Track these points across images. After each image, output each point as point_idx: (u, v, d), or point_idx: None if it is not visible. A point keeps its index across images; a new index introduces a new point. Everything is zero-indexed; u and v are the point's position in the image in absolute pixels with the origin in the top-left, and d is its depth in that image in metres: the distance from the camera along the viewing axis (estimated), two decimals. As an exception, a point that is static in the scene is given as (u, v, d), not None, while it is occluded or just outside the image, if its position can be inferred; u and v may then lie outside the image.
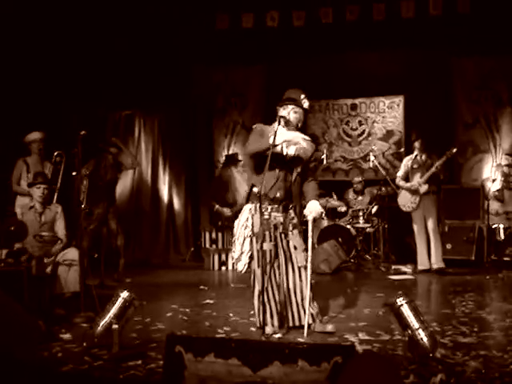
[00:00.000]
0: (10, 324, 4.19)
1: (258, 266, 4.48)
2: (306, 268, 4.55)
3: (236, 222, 4.72)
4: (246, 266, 4.63)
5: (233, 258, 4.78)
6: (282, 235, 4.60)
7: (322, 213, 4.74)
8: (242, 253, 4.62)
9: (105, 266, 7.24)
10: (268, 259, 4.52)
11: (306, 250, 4.60)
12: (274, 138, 4.45)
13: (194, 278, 8.07)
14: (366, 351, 2.47)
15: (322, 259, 8.15)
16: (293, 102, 4.64)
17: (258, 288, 4.55)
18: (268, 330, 4.45)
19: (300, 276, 4.57)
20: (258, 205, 4.46)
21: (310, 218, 4.63)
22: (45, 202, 5.82)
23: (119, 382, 3.44)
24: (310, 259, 4.55)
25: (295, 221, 4.62)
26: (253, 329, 4.69)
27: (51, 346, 4.20)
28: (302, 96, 4.68)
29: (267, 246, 4.52)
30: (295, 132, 4.69)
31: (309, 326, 4.51)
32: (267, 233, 4.50)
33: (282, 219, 4.57)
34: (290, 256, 4.59)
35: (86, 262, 5.75)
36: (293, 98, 4.66)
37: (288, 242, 4.60)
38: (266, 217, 4.49)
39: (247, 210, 4.63)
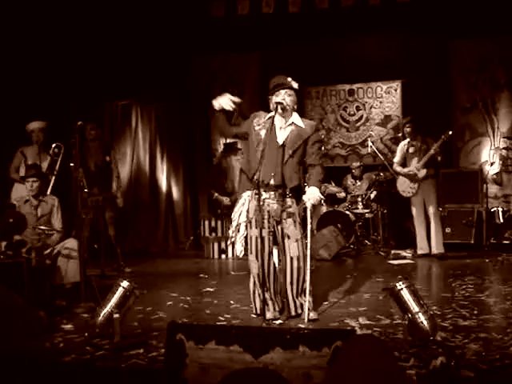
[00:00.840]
0: (12, 316, 4.21)
1: (251, 252, 4.57)
2: (298, 258, 4.53)
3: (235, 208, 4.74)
4: (243, 252, 4.65)
5: (230, 243, 4.79)
6: (275, 223, 4.58)
7: (320, 199, 4.70)
8: (237, 238, 4.64)
9: (105, 256, 7.25)
10: (257, 246, 4.51)
11: (298, 240, 4.55)
12: (271, 127, 4.50)
13: (194, 266, 8.08)
14: (360, 335, 2.48)
15: (321, 245, 8.16)
16: (284, 86, 4.61)
17: (252, 274, 4.59)
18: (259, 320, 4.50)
19: (292, 265, 4.55)
20: (254, 191, 4.49)
21: (308, 205, 4.56)
22: (37, 195, 5.80)
23: (121, 371, 3.45)
24: (309, 246, 4.53)
25: (291, 209, 4.57)
26: (253, 315, 4.70)
27: (53, 336, 4.21)
28: (289, 79, 4.65)
29: (254, 232, 4.55)
30: (292, 116, 4.66)
31: (300, 315, 4.56)
32: (259, 219, 4.45)
33: (275, 207, 4.55)
34: (284, 246, 4.59)
35: (85, 253, 5.75)
36: (282, 83, 4.63)
37: (282, 231, 4.59)
38: (261, 203, 4.43)
39: (244, 196, 4.65)
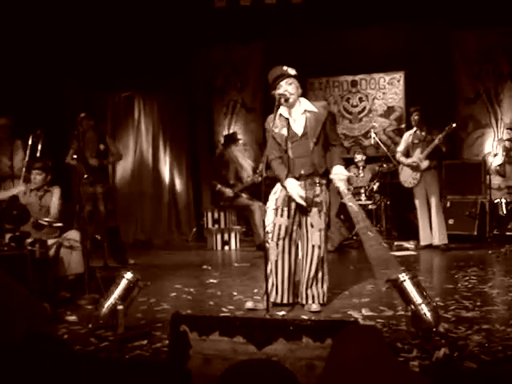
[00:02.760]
0: (16, 307, 4.22)
1: (272, 239, 4.60)
2: (320, 247, 4.58)
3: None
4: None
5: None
6: (303, 212, 4.62)
7: (347, 177, 4.75)
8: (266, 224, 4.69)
9: (108, 247, 7.27)
10: (279, 234, 4.59)
11: (322, 229, 4.59)
12: (287, 122, 4.58)
13: (197, 258, 8.10)
14: (352, 325, 2.48)
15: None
16: (282, 77, 4.60)
17: (270, 261, 4.59)
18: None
19: (313, 253, 4.60)
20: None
21: (338, 184, 4.62)
22: (40, 187, 5.81)
23: (125, 363, 3.47)
24: (322, 239, 4.60)
25: (318, 199, 4.59)
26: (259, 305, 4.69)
27: (57, 328, 4.23)
28: (285, 67, 4.64)
29: (278, 220, 4.60)
30: (301, 103, 4.65)
31: (303, 305, 4.63)
32: (286, 209, 4.58)
33: (305, 196, 4.57)
34: (307, 234, 4.63)
35: (89, 244, 5.76)
36: (279, 74, 4.62)
37: (306, 220, 4.62)
38: (289, 193, 4.53)
39: (278, 185, 4.69)
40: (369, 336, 1.86)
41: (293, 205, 4.60)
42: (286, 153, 4.61)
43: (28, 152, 6.58)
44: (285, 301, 4.67)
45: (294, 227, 4.66)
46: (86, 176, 6.49)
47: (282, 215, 4.61)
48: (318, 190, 4.60)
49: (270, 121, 4.64)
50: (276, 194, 4.68)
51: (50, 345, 2.14)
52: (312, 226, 4.60)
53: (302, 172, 4.58)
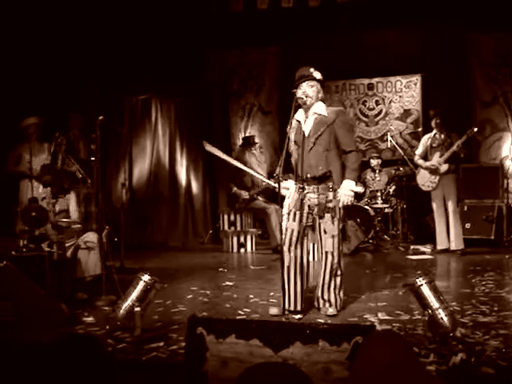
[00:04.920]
0: (34, 308, 4.26)
1: (284, 244, 4.58)
2: (333, 254, 4.55)
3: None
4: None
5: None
6: (316, 217, 4.59)
7: (352, 197, 4.59)
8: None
9: (124, 248, 7.31)
10: (291, 239, 4.57)
11: (335, 236, 4.53)
12: (298, 126, 4.63)
13: (213, 260, 8.12)
14: (379, 331, 2.49)
15: (340, 240, 8.15)
16: (305, 78, 4.61)
17: (284, 266, 4.55)
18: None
19: (326, 260, 4.57)
20: (298, 185, 4.60)
21: (342, 199, 4.53)
22: (54, 194, 5.84)
23: (142, 364, 3.49)
24: (336, 246, 4.56)
25: (331, 204, 4.53)
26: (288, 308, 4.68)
27: (74, 329, 4.26)
28: (312, 69, 4.64)
29: (290, 225, 4.58)
30: (315, 106, 4.63)
31: (318, 309, 4.63)
32: (298, 213, 4.55)
33: (316, 201, 4.55)
34: (320, 240, 4.61)
35: (106, 246, 5.79)
36: (304, 75, 4.63)
37: (319, 225, 4.59)
38: (301, 197, 4.54)
39: (291, 189, 4.69)
40: (394, 342, 1.87)
41: (306, 208, 4.57)
42: (297, 155, 4.63)
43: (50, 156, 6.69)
44: (298, 308, 4.62)
45: (307, 231, 4.65)
46: (89, 180, 6.53)
47: (294, 219, 4.57)
48: (330, 195, 4.55)
49: (290, 125, 4.66)
50: (289, 198, 4.67)
51: (89, 346, 2.16)
52: (325, 232, 4.56)
53: (309, 175, 4.56)
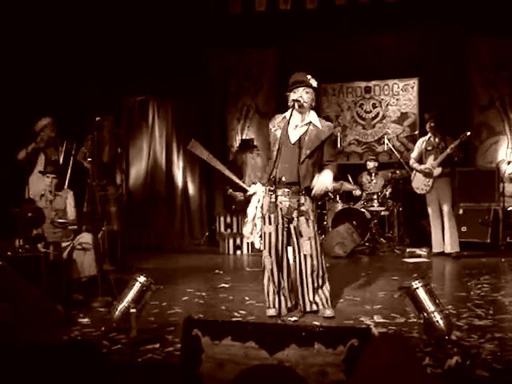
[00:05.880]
0: (30, 309, 4.26)
1: (264, 248, 4.61)
2: (311, 256, 4.55)
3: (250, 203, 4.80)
4: (262, 246, 4.68)
5: (246, 238, 4.84)
6: (288, 221, 4.60)
7: (327, 188, 4.62)
8: (254, 233, 4.71)
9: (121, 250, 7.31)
10: (270, 242, 4.57)
11: (311, 238, 4.55)
12: (286, 126, 4.58)
13: (209, 262, 8.12)
14: (382, 333, 2.49)
15: (336, 242, 8.16)
16: (302, 84, 4.63)
17: (266, 269, 4.63)
18: (271, 312, 4.59)
19: (306, 263, 4.57)
20: (268, 188, 4.51)
21: (313, 193, 4.57)
22: (54, 190, 5.84)
23: (137, 366, 3.49)
24: (314, 247, 4.57)
25: (304, 207, 4.57)
26: (269, 311, 4.70)
27: (70, 330, 4.25)
28: (309, 76, 4.66)
29: (267, 228, 4.59)
30: (310, 115, 4.67)
31: (315, 312, 4.61)
32: (272, 216, 4.51)
33: (287, 204, 4.57)
34: (297, 243, 4.61)
35: (101, 247, 5.79)
36: (300, 80, 4.65)
37: (294, 228, 4.60)
38: (273, 200, 4.40)
39: (259, 192, 4.71)
40: (398, 344, 1.88)
41: (279, 211, 4.52)
42: (275, 155, 4.47)
43: (61, 158, 6.69)
44: (289, 305, 4.71)
45: (284, 233, 4.63)
46: (94, 183, 6.53)
47: (269, 222, 4.58)
48: (302, 198, 4.58)
49: (274, 119, 4.72)
50: (259, 202, 4.69)
51: (88, 352, 2.17)
52: (301, 235, 4.57)
53: (284, 179, 4.52)
